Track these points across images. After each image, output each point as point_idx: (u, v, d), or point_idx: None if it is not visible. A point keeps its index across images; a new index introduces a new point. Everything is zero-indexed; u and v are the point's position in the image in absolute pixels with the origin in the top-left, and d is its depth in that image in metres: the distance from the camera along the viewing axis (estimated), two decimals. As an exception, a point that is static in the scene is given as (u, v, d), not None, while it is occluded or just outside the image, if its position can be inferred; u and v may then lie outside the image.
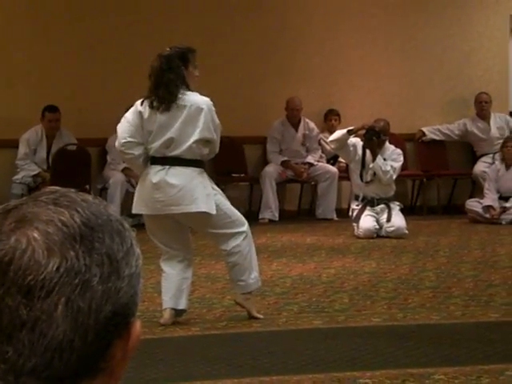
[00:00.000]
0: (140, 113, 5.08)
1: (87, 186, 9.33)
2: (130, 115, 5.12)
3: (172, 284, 5.18)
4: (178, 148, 5.04)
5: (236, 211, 5.28)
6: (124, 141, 5.09)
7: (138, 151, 5.09)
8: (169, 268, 5.22)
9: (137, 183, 9.53)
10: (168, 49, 5.08)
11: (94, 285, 0.90)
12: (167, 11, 10.10)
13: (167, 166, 5.07)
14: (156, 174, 5.10)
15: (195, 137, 5.03)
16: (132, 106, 5.11)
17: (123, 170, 9.54)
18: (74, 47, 9.91)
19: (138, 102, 5.13)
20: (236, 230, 5.19)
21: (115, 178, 9.44)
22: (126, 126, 5.11)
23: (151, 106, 5.04)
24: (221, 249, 5.32)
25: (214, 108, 5.12)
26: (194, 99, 5.04)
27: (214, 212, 5.09)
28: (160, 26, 10.04)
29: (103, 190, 9.61)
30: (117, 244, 0.93)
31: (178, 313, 5.19)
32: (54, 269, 0.89)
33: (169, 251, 5.23)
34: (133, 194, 9.58)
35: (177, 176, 5.06)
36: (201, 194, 5.07)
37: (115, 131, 5.22)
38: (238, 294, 5.27)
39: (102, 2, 9.94)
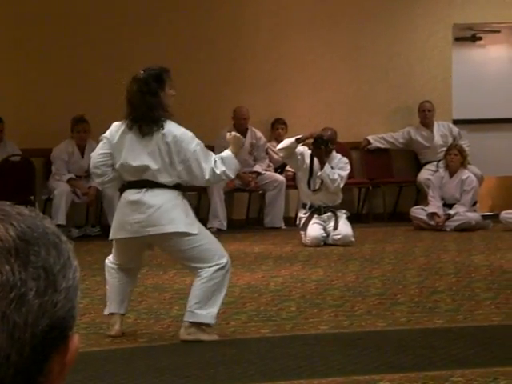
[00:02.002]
0: (116, 134, 5.02)
1: (32, 197, 9.23)
2: (107, 134, 5.09)
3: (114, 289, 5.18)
4: (154, 174, 4.98)
5: (216, 245, 5.05)
6: (95, 161, 5.08)
7: (111, 173, 5.05)
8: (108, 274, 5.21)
9: (83, 194, 9.55)
10: (142, 71, 5.03)
11: (30, 299, 0.90)
12: (112, 20, 10.05)
13: (144, 189, 4.99)
14: (133, 196, 5.02)
15: (169, 166, 4.97)
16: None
17: (68, 181, 9.46)
18: (17, 57, 9.80)
19: (117, 123, 5.07)
20: (214, 263, 4.97)
21: (60, 189, 9.35)
22: (100, 146, 5.10)
23: (130, 129, 4.98)
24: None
25: (189, 139, 5.01)
26: (171, 129, 4.96)
27: (195, 231, 4.94)
28: (105, 35, 9.99)
29: (48, 200, 9.51)
30: (53, 257, 0.93)
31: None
32: (-11, 283, 0.88)
33: (120, 265, 5.17)
34: (78, 204, 9.61)
35: (154, 197, 4.96)
36: (179, 214, 4.94)
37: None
38: (183, 326, 5.00)
39: (45, 14, 9.85)
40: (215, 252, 5.00)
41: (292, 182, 9.85)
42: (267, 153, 10.37)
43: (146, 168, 4.97)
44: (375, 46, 10.68)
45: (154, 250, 5.48)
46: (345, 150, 9.70)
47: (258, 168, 10.19)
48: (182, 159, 4.97)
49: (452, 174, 9.90)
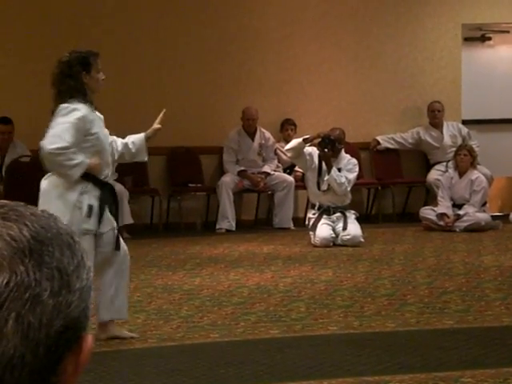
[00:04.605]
0: None
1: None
2: None
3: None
4: None
5: None
6: None
7: None
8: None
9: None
10: (67, 54, 5.01)
11: (44, 299, 0.90)
12: (118, 21, 10.07)
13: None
14: None
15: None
16: None
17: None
18: (26, 58, 9.83)
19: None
20: None
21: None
22: None
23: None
24: None
25: (62, 113, 4.87)
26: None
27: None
28: (112, 37, 10.00)
29: (58, 201, 9.52)
30: (67, 257, 0.93)
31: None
32: (4, 284, 0.89)
33: None
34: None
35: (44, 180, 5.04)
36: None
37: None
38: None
39: (55, 11, 9.88)
40: None
41: (301, 183, 9.84)
42: (276, 153, 10.37)
43: None
44: (384, 47, 10.67)
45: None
46: (354, 151, 9.69)
47: (266, 169, 10.19)
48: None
49: (461, 174, 9.88)
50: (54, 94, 4.94)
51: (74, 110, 4.85)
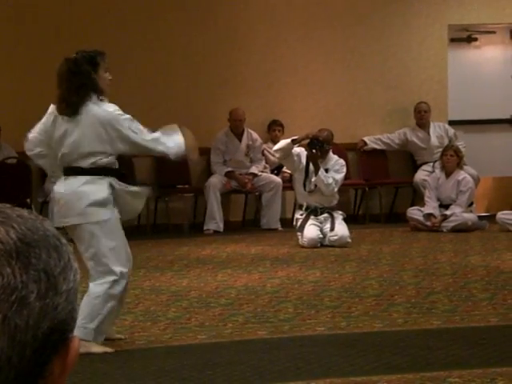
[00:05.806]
0: (52, 116, 4.93)
1: (28, 200, 9.22)
2: (44, 117, 4.99)
3: None
4: (74, 159, 4.85)
5: (119, 253, 4.85)
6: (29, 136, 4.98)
7: (38, 150, 4.93)
8: None
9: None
10: (75, 54, 4.95)
11: (31, 301, 0.90)
12: (109, 24, 10.05)
13: (65, 177, 4.89)
14: (56, 185, 4.96)
15: (88, 149, 4.82)
16: None
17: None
18: (13, 60, 9.80)
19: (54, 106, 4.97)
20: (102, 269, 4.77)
21: (57, 191, 9.33)
22: (37, 125, 4.99)
23: (59, 113, 4.86)
24: None
25: (118, 118, 4.83)
26: (94, 109, 4.82)
27: (89, 220, 4.73)
28: (103, 40, 9.99)
29: (45, 203, 9.50)
30: (54, 259, 0.93)
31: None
32: (-10, 286, 0.89)
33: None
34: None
35: (65, 186, 4.84)
36: (80, 205, 4.74)
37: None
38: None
39: (42, 17, 9.86)
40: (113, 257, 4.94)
41: (288, 184, 9.85)
42: (263, 154, 10.38)
43: (67, 152, 4.86)
44: (370, 48, 10.69)
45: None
46: (341, 152, 9.71)
47: (254, 169, 10.20)
48: (116, 137, 4.85)
49: (448, 174, 9.91)
50: (64, 92, 4.82)
51: (115, 105, 4.90)
